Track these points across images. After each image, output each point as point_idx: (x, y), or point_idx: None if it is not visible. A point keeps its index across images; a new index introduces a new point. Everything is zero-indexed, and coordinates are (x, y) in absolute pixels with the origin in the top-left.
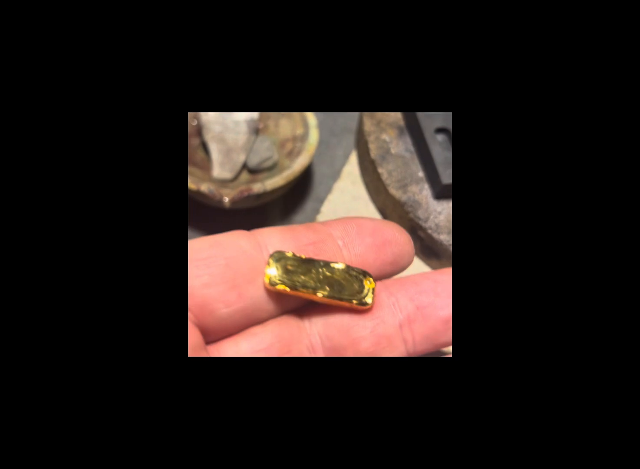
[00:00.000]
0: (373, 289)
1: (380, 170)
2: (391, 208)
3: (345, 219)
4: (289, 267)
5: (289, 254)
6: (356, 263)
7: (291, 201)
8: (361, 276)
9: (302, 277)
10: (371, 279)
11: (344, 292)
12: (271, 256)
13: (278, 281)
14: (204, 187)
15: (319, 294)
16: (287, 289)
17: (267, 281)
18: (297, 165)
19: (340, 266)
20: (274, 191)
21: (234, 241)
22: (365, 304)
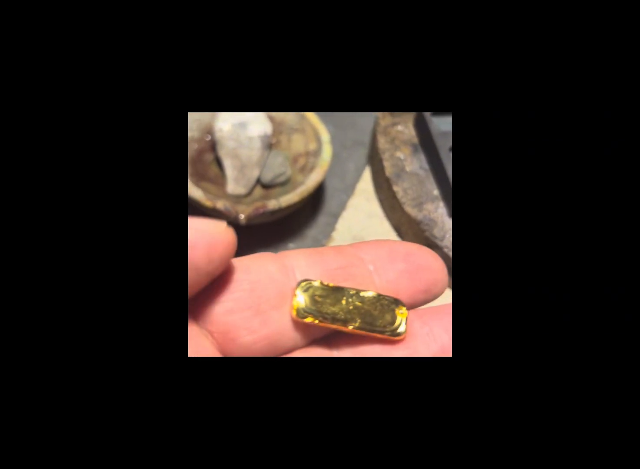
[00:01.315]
0: (406, 318)
1: (395, 188)
2: (406, 226)
3: (377, 242)
4: (317, 298)
5: (317, 283)
6: (387, 290)
7: (304, 215)
8: (393, 305)
9: (332, 308)
10: (404, 308)
11: (376, 322)
12: (298, 285)
13: (306, 313)
14: (220, 205)
15: (350, 327)
16: (316, 321)
17: (294, 313)
18: (311, 181)
19: (370, 294)
20: (288, 207)
21: (261, 265)
22: (399, 334)
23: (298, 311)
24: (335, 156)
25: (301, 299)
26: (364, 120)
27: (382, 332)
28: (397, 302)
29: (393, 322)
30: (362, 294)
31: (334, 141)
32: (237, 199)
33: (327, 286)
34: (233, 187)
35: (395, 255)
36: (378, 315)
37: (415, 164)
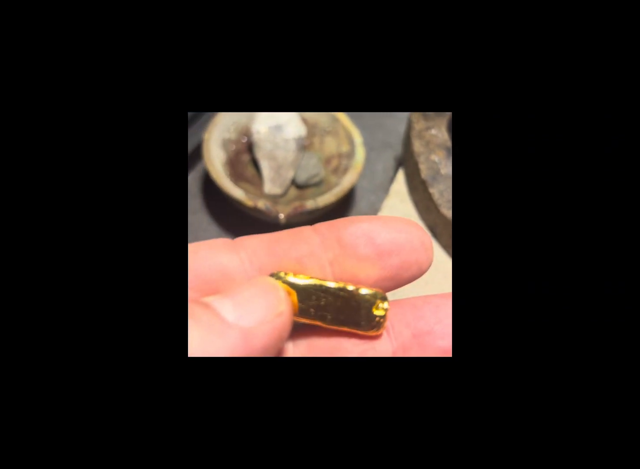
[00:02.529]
0: (382, 316)
1: (431, 190)
2: (442, 227)
3: (340, 221)
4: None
5: (285, 276)
6: (346, 280)
7: (335, 215)
8: (367, 302)
9: (301, 304)
10: (384, 303)
11: (349, 318)
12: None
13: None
14: (261, 204)
15: (322, 322)
16: (303, 320)
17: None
18: (346, 182)
19: (346, 287)
20: (324, 207)
21: (213, 255)
22: (374, 330)
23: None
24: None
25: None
26: (392, 122)
27: (356, 328)
28: (376, 295)
29: (367, 318)
30: (334, 288)
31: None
32: (274, 198)
33: (296, 282)
34: (270, 187)
35: (355, 238)
36: (351, 311)
37: (449, 167)
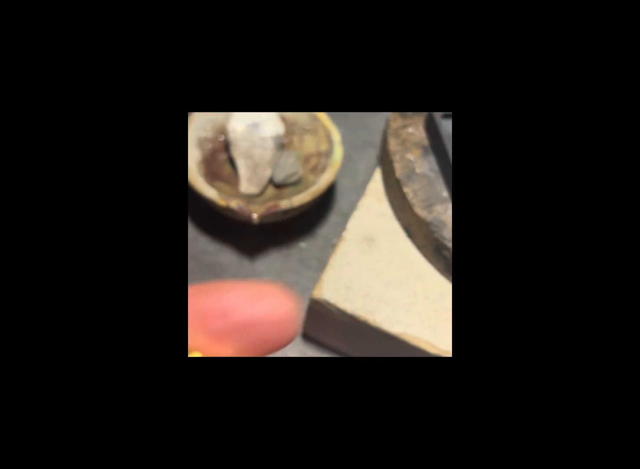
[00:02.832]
0: None
1: (405, 189)
2: (416, 227)
3: (205, 288)
4: None
5: None
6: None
7: (315, 214)
8: None
9: None
10: None
11: None
12: None
13: None
14: (234, 204)
15: None
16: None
17: None
18: (323, 181)
19: None
20: (300, 207)
21: None
22: None
23: None
24: (346, 156)
25: None
26: (374, 120)
27: None
28: None
29: None
30: None
31: (344, 141)
32: (250, 198)
33: None
34: (246, 186)
35: (209, 311)
36: None
37: (425, 166)
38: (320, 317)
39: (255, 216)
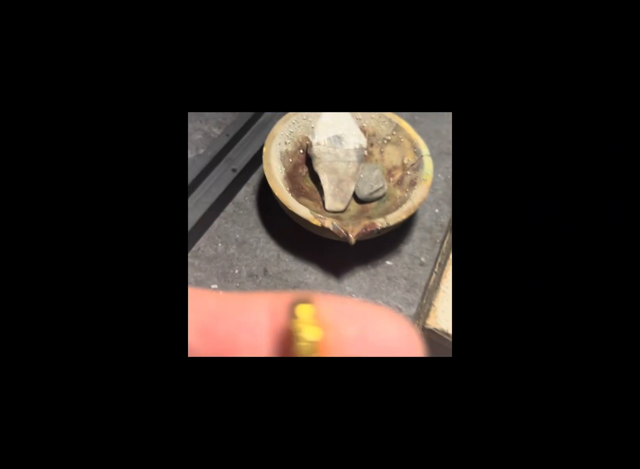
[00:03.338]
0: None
1: None
2: None
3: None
4: None
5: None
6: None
7: (397, 230)
8: None
9: None
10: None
11: None
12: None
13: None
14: (328, 223)
15: None
16: None
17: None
18: (416, 197)
19: None
20: (395, 225)
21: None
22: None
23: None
24: None
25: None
26: (446, 127)
27: None
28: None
29: None
30: None
31: None
32: (335, 214)
33: None
34: (331, 202)
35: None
36: None
37: None
38: (433, 347)
39: (352, 236)
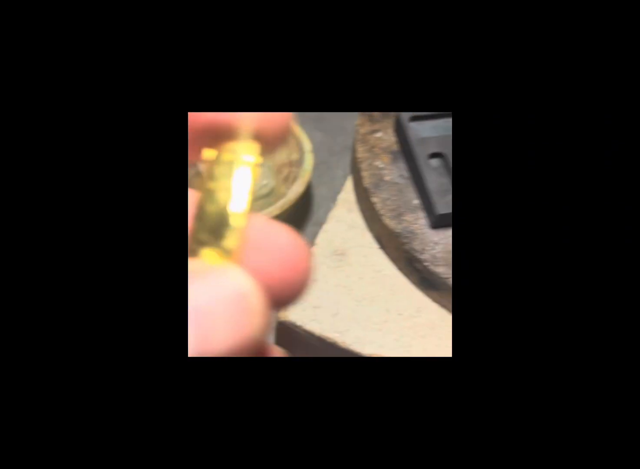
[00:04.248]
0: None
1: (373, 199)
2: (387, 238)
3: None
4: None
5: None
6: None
7: (291, 225)
8: None
9: None
10: None
11: None
12: None
13: None
14: None
15: None
16: None
17: None
18: (292, 193)
19: None
20: None
21: None
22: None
23: None
24: (323, 162)
25: None
26: (352, 124)
27: None
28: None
29: None
30: None
31: (322, 147)
32: None
33: None
34: None
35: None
36: None
37: (395, 172)
38: (290, 340)
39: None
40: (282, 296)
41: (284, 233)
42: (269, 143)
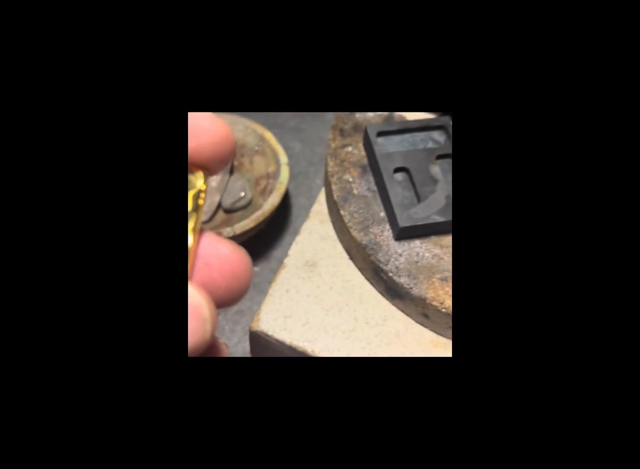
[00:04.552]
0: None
1: (342, 212)
2: (355, 250)
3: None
4: None
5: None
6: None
7: (268, 235)
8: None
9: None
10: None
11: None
12: None
13: None
14: None
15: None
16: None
17: None
18: (268, 205)
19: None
20: (244, 233)
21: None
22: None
23: None
24: (302, 173)
25: None
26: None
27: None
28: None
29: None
30: None
31: (301, 157)
32: None
33: None
34: None
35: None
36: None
37: (363, 186)
38: (263, 349)
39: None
40: (226, 301)
41: (229, 247)
42: (213, 167)
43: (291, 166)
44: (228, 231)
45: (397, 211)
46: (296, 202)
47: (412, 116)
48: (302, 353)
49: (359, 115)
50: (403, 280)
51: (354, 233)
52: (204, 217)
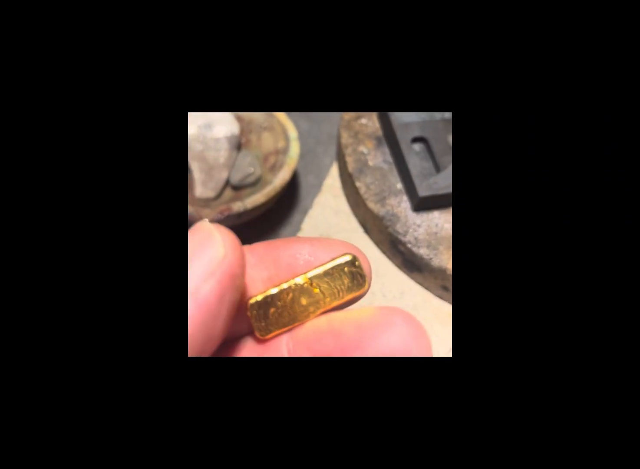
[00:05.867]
0: (360, 271)
1: (358, 184)
2: (371, 222)
3: (279, 241)
4: (271, 310)
5: (260, 298)
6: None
7: (277, 214)
8: (341, 268)
9: (289, 312)
10: (357, 261)
11: (335, 292)
12: (249, 312)
13: (270, 329)
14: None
15: (317, 312)
16: (284, 329)
17: (259, 335)
18: (278, 180)
19: (315, 272)
20: (255, 209)
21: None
22: (361, 285)
23: (260, 331)
24: (310, 151)
25: (258, 320)
26: (339, 113)
27: (348, 292)
28: (349, 263)
29: (352, 280)
30: (307, 280)
31: (309, 136)
32: (206, 202)
33: (271, 294)
34: (201, 190)
35: (294, 260)
36: (334, 284)
37: (378, 157)
38: None
39: (206, 221)
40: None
41: (396, 331)
42: None
43: (299, 144)
44: (239, 205)
45: (416, 181)
46: (305, 181)
47: None
48: None
49: None
50: (422, 251)
51: (371, 205)
52: (211, 194)
